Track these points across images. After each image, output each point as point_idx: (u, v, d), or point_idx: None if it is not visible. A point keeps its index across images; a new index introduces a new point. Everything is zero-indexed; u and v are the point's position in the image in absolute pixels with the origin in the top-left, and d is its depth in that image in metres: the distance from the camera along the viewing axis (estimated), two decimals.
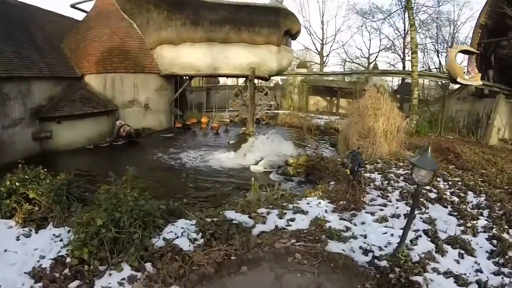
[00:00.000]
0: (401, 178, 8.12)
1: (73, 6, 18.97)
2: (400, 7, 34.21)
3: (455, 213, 6.02)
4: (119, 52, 14.86)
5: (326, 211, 5.54)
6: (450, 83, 19.96)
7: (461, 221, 5.64)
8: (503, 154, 13.03)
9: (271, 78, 18.48)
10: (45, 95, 12.16)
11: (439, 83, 34.87)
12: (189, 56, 15.14)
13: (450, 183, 7.94)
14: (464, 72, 17.39)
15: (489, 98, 18.91)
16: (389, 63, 40.58)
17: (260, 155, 10.74)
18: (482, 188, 7.59)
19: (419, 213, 5.85)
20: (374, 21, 38.14)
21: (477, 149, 12.74)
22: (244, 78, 16.68)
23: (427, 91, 38.57)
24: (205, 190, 8.28)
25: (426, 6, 32.99)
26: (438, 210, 6.19)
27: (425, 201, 6.47)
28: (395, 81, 39.40)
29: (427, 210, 6.08)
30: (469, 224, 5.45)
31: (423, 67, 36.74)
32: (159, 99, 16.03)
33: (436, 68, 34.91)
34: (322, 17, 40.67)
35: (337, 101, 29.72)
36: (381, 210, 5.96)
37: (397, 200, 6.53)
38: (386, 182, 7.62)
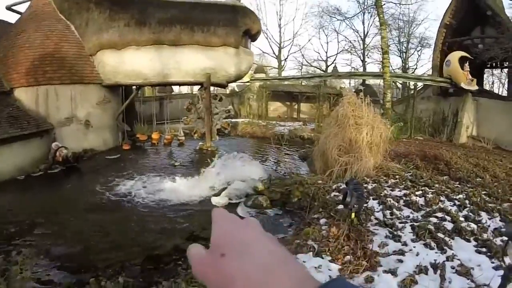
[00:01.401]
0: (402, 202, 6.65)
1: (9, 8, 16.26)
2: (364, 7, 33.95)
3: (483, 249, 4.73)
4: (52, 60, 12.50)
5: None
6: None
7: (494, 260, 4.40)
8: (482, 154, 12.65)
9: (229, 84, 16.68)
10: None
11: (399, 84, 35.50)
12: (134, 62, 13.00)
13: (456, 202, 6.66)
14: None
15: (453, 96, 19.06)
16: (350, 65, 40.45)
17: (222, 181, 8.87)
18: (490, 205, 6.44)
19: (445, 257, 4.46)
20: (337, 21, 37.81)
21: (459, 152, 11.96)
22: (199, 86, 14.62)
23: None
24: (150, 245, 6.01)
25: (394, 3, 32.74)
26: (463, 248, 4.82)
27: (443, 235, 5.04)
28: (351, 84, 39.45)
29: (452, 251, 4.66)
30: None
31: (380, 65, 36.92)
32: (102, 114, 13.70)
33: (397, 68, 35.07)
34: (280, 20, 39.83)
35: (298, 106, 28.68)
36: (400, 261, 4.37)
37: (412, 240, 4.97)
38: (388, 212, 6.06)
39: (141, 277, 4.89)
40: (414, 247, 4.75)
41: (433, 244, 4.81)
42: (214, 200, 7.97)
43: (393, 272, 4.08)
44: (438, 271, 4.16)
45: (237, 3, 13.52)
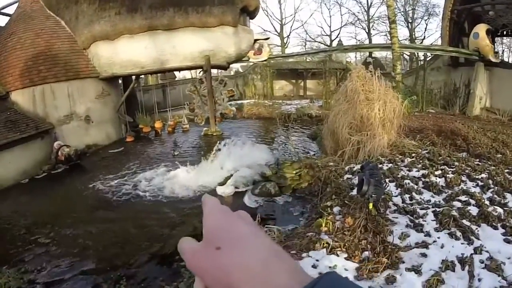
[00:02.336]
0: (421, 184, 6.14)
1: None
2: None
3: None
4: (45, 58, 12.01)
5: None
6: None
7: None
8: (498, 126, 11.97)
9: (231, 66, 16.00)
10: None
11: (406, 55, 34.50)
12: (129, 52, 12.41)
13: (479, 182, 6.16)
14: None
15: (464, 66, 18.41)
16: (355, 39, 39.41)
17: (228, 169, 8.38)
18: None
19: (473, 249, 4.03)
20: None
21: (475, 126, 11.30)
22: (200, 70, 14.02)
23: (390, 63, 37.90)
24: (154, 244, 5.70)
25: None
26: (491, 237, 4.38)
27: (469, 223, 4.57)
28: (357, 58, 38.52)
29: (479, 241, 4.21)
30: None
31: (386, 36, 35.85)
32: (103, 108, 13.27)
33: (404, 39, 33.86)
34: None
35: (304, 84, 27.88)
36: (424, 255, 3.91)
37: (436, 229, 4.48)
38: (407, 196, 5.55)
39: (144, 282, 4.56)
40: (438, 237, 4.29)
41: (458, 233, 4.35)
42: (220, 190, 7.55)
43: (417, 270, 3.63)
44: (466, 267, 3.71)
45: None
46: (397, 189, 5.93)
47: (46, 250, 5.76)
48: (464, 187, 5.87)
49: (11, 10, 15.22)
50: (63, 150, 10.95)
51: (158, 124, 14.79)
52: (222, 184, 7.83)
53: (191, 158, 10.51)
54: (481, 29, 16.67)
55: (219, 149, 9.28)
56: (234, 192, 7.54)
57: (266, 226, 5.16)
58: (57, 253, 5.63)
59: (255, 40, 24.16)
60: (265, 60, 23.50)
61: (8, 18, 14.86)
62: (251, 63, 25.97)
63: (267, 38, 27.40)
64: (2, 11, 15.98)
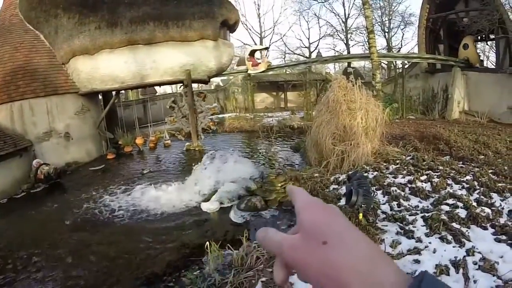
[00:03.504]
0: (408, 190, 6.15)
1: None
2: None
3: (502, 237, 4.35)
4: (24, 73, 11.71)
5: None
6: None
7: None
8: (478, 129, 12.40)
9: (211, 80, 15.90)
10: None
11: (384, 64, 35.11)
12: (109, 66, 12.22)
13: (465, 185, 6.26)
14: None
15: (441, 72, 18.96)
16: (334, 50, 39.99)
17: (212, 184, 8.23)
18: (500, 185, 6.08)
19: (465, 251, 4.06)
20: (317, 4, 37.30)
21: (455, 129, 11.55)
22: (181, 84, 13.87)
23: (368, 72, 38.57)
24: (139, 265, 5.36)
25: None
26: (482, 238, 4.43)
27: (459, 226, 4.59)
28: (336, 68, 39.03)
29: (471, 243, 4.24)
30: None
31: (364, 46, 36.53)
32: (83, 124, 12.95)
33: (382, 49, 34.51)
34: (258, 9, 39.28)
35: (284, 96, 28.04)
36: (417, 262, 3.88)
37: (426, 234, 4.46)
38: (395, 203, 5.53)
39: None
40: (430, 242, 4.28)
41: (449, 237, 4.36)
42: (204, 206, 7.36)
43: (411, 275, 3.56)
44: (461, 270, 3.71)
45: None
46: (384, 196, 5.92)
47: (23, 272, 5.47)
48: (451, 191, 5.92)
49: None
50: (43, 168, 10.60)
51: (139, 140, 14.51)
52: (206, 200, 7.65)
53: (174, 174, 10.35)
54: (469, 40, 17.72)
55: (203, 165, 9.11)
56: (219, 207, 7.34)
57: (255, 242, 5.05)
58: (34, 276, 5.35)
59: (254, 51, 23.72)
60: (263, 72, 23.45)
61: None
62: (232, 77, 26.00)
63: (267, 48, 26.90)
64: None
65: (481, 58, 18.70)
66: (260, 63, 23.30)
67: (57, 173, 10.80)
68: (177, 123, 14.21)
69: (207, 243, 5.00)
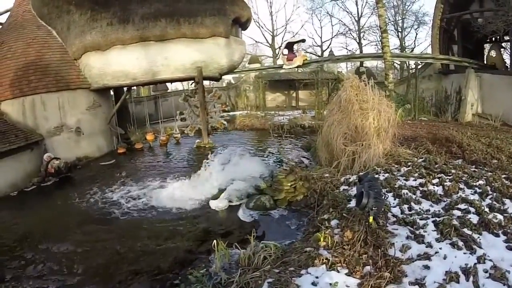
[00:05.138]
0: (419, 193, 6.05)
1: None
2: None
3: None
4: (36, 68, 11.82)
5: None
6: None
7: None
8: (491, 132, 12.02)
9: (223, 77, 15.86)
10: None
11: (396, 64, 34.77)
12: (120, 62, 12.31)
13: (477, 189, 6.08)
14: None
15: (455, 74, 18.68)
16: (346, 49, 39.77)
17: (221, 182, 8.21)
18: None
19: (476, 258, 3.95)
20: (329, 2, 37.08)
21: (468, 132, 11.33)
22: (192, 81, 13.89)
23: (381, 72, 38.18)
24: (147, 261, 5.35)
25: None
26: (493, 245, 4.29)
27: (470, 232, 4.48)
28: (348, 67, 38.81)
29: (482, 250, 4.13)
30: None
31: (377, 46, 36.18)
32: (94, 119, 13.06)
33: (395, 48, 34.14)
34: (271, 7, 39.18)
35: (296, 94, 27.93)
36: (427, 268, 3.80)
37: (437, 239, 4.37)
38: (406, 206, 5.45)
39: None
40: (440, 248, 4.18)
41: (460, 243, 4.25)
42: (213, 204, 7.35)
43: (421, 284, 3.52)
44: (471, 278, 3.62)
45: None
46: (395, 199, 5.83)
47: (30, 267, 5.52)
48: (463, 195, 5.79)
49: (2, 19, 15.26)
50: (53, 162, 10.76)
51: (150, 137, 14.62)
52: (215, 198, 7.64)
53: (183, 171, 10.35)
54: (496, 46, 18.12)
55: (212, 161, 9.11)
56: (228, 206, 7.34)
57: (263, 242, 5.01)
58: (41, 270, 5.40)
59: (291, 43, 22.12)
60: (299, 67, 22.35)
61: None
62: (243, 75, 25.77)
63: (304, 40, 24.95)
64: None
65: (506, 64, 18.45)
66: (296, 57, 22.07)
67: (67, 167, 10.95)
68: (189, 119, 14.20)
69: (214, 241, 4.99)
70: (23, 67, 11.69)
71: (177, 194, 8.10)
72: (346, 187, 6.78)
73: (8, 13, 14.39)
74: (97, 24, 12.30)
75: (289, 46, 22.67)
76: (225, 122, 14.61)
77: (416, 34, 37.55)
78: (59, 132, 11.98)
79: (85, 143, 12.69)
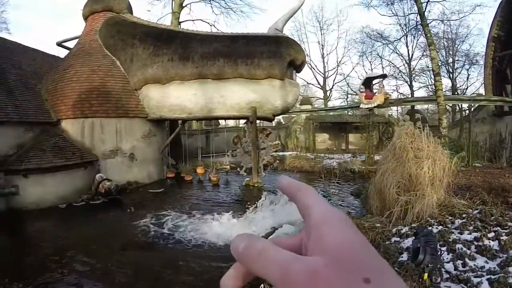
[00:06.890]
0: (473, 248, 5.88)
1: (59, 44, 17.65)
2: (407, 29, 33.07)
3: None
4: (98, 94, 12.94)
5: None
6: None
7: None
8: None
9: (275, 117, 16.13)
10: (12, 142, 10.72)
11: (448, 106, 33.74)
12: (178, 97, 13.03)
13: None
14: None
15: (510, 115, 17.71)
16: (397, 91, 39.36)
17: (270, 224, 8.24)
18: None
19: None
20: (380, 45, 37.06)
21: None
22: (245, 120, 14.27)
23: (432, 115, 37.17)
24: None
25: (440, 20, 31.32)
26: None
27: None
28: (399, 111, 38.24)
29: None
30: None
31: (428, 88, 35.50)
32: (147, 147, 13.85)
33: (447, 90, 33.38)
34: (322, 49, 39.78)
35: (346, 137, 27.74)
36: None
37: None
38: (460, 262, 5.34)
39: None
40: None
41: None
42: None
43: None
44: None
45: (280, 34, 13.21)
46: (448, 254, 5.70)
47: (67, 277, 5.75)
48: None
49: (71, 44, 16.85)
50: (105, 183, 11.46)
51: (200, 170, 15.02)
52: None
53: (232, 208, 10.33)
54: None
55: (262, 203, 9.21)
56: None
57: None
58: (74, 284, 5.57)
59: (370, 79, 19.48)
60: (379, 106, 19.29)
61: (67, 51, 16.28)
62: (294, 115, 25.75)
63: (385, 76, 21.61)
64: (64, 44, 17.56)
65: None
66: (375, 95, 19.17)
67: (117, 190, 11.58)
68: (240, 158, 14.51)
69: (262, 285, 5.05)
70: (87, 91, 12.75)
71: (223, 229, 8.15)
72: (397, 239, 6.66)
73: (77, 40, 15.79)
74: (159, 59, 13.19)
75: (368, 82, 19.50)
76: (277, 156, 14.66)
77: (468, 74, 36.41)
78: (113, 155, 12.80)
79: (137, 169, 13.40)
